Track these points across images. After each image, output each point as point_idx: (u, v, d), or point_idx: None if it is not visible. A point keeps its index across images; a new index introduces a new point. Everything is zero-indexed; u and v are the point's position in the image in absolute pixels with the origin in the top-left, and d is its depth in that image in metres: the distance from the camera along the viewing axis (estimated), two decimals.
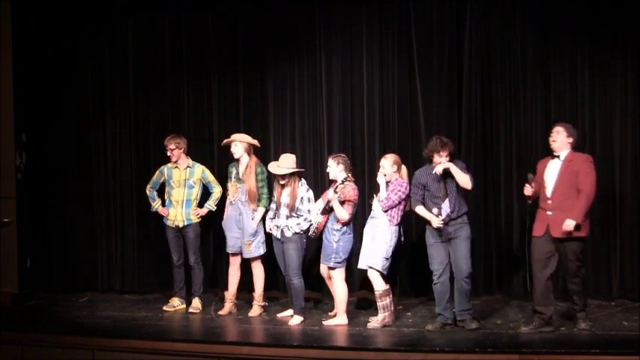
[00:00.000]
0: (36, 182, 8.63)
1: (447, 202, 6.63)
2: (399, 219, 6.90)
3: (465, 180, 6.63)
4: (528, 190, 6.65)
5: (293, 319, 7.18)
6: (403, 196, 6.85)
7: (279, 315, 7.42)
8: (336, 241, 6.95)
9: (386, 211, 6.86)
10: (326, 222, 7.00)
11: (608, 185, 7.65)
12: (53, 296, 8.55)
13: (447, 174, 6.66)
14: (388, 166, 6.92)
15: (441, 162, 6.66)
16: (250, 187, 7.41)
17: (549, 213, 6.48)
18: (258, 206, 7.44)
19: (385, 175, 6.92)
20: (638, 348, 5.96)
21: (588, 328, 6.57)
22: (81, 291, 8.68)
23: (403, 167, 7.02)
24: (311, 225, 7.08)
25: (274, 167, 7.19)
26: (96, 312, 7.85)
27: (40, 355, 6.86)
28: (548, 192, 6.51)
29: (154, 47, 8.66)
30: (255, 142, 7.58)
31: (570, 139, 6.52)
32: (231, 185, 7.58)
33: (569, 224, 6.32)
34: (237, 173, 7.53)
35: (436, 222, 6.61)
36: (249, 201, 7.44)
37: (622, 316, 7.07)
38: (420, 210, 6.77)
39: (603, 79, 7.70)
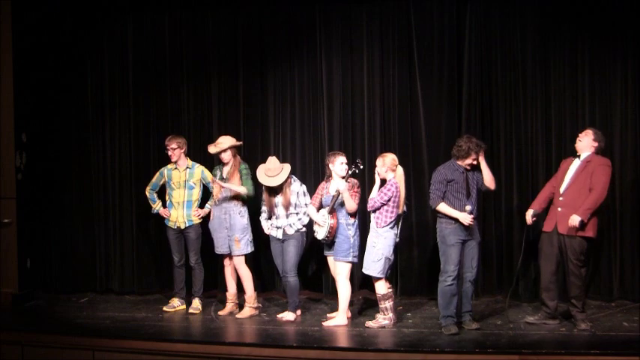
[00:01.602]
0: (36, 182, 8.62)
1: (470, 199, 6.64)
2: (388, 220, 6.82)
3: (491, 178, 6.79)
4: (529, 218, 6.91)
5: (285, 315, 7.22)
6: (386, 198, 6.78)
7: (279, 316, 7.41)
8: (353, 235, 6.96)
9: (373, 212, 6.87)
10: (337, 221, 6.99)
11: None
12: (53, 297, 8.56)
13: (470, 172, 6.71)
14: (379, 166, 6.93)
15: (474, 163, 6.69)
16: (234, 183, 7.41)
17: (559, 209, 6.68)
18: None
19: (379, 174, 6.93)
20: (638, 349, 5.96)
21: (588, 328, 6.59)
22: (81, 291, 8.68)
23: (399, 169, 6.95)
24: (319, 227, 7.07)
25: (264, 178, 7.20)
26: (96, 312, 7.84)
27: (40, 356, 6.87)
28: (562, 189, 6.71)
29: (154, 47, 8.65)
30: (239, 143, 7.63)
31: (595, 144, 6.73)
32: (215, 186, 7.59)
33: (575, 219, 6.48)
34: (222, 173, 7.54)
35: (468, 219, 6.55)
36: (235, 198, 7.45)
37: (622, 317, 7.07)
38: (444, 207, 6.62)
39: (603, 79, 7.70)
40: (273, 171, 7.18)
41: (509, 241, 7.86)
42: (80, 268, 8.75)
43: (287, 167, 7.26)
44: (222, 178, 7.51)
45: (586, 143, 6.73)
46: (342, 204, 6.96)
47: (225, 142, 7.48)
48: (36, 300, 8.45)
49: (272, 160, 7.27)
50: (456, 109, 8.01)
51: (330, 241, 7.06)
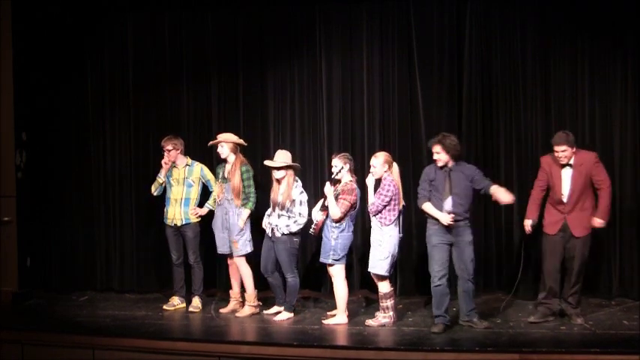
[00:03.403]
0: (36, 181, 8.62)
1: (449, 199, 6.61)
2: (392, 218, 6.83)
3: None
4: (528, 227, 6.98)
5: (281, 315, 7.22)
6: (387, 199, 6.77)
7: (265, 312, 7.42)
8: (335, 238, 6.95)
9: (375, 215, 6.86)
10: (325, 219, 7.00)
11: None
12: (53, 295, 8.54)
13: (454, 172, 6.67)
14: (379, 165, 6.90)
15: (434, 157, 6.68)
16: (235, 184, 7.39)
17: (568, 215, 6.75)
18: (245, 206, 7.40)
19: (375, 174, 6.92)
20: (638, 347, 5.97)
21: (584, 322, 6.67)
22: (81, 290, 8.67)
23: (395, 165, 6.97)
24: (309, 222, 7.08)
25: (269, 162, 7.24)
26: (96, 311, 7.84)
27: (39, 355, 6.86)
28: (565, 197, 6.77)
29: (154, 47, 8.65)
30: (241, 141, 7.60)
31: (574, 149, 6.79)
32: (217, 185, 7.59)
33: (600, 222, 6.73)
34: (224, 172, 7.54)
35: (447, 219, 6.54)
36: (234, 198, 7.42)
37: (622, 316, 7.08)
38: (427, 207, 6.67)
39: (603, 79, 7.72)
40: (280, 158, 7.22)
41: (509, 240, 7.87)
42: (80, 267, 8.74)
43: (294, 165, 7.32)
44: (223, 177, 7.51)
45: (569, 155, 6.75)
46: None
47: (222, 136, 7.48)
48: (36, 299, 8.44)
49: (279, 154, 7.29)
50: (456, 109, 8.02)
51: (316, 237, 7.16)
